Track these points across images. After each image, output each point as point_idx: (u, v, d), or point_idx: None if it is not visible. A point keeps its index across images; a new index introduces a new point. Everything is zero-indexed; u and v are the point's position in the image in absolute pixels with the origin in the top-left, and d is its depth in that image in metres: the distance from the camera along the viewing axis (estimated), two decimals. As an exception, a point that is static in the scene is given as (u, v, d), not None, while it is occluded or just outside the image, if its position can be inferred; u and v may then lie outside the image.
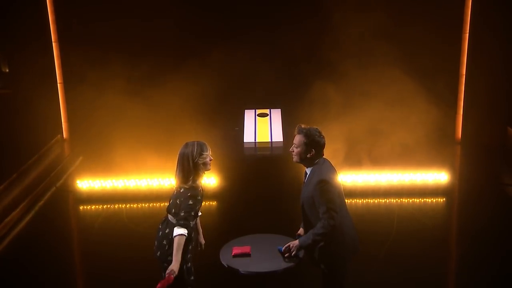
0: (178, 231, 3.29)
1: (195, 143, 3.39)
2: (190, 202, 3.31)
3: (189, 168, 3.32)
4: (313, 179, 3.33)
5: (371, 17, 7.64)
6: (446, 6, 7.80)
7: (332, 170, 3.40)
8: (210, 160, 3.41)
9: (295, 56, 8.29)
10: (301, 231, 3.65)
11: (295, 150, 3.40)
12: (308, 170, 3.44)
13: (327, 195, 3.26)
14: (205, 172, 3.42)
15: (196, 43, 8.21)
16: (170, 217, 3.45)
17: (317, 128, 3.41)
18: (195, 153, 3.33)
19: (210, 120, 7.97)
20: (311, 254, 3.46)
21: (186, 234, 3.30)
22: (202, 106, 7.75)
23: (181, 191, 3.37)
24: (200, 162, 3.34)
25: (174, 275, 3.21)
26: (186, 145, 3.39)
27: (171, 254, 3.34)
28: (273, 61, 8.55)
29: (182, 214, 3.31)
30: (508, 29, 7.83)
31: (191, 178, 3.33)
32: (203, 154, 3.36)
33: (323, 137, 3.40)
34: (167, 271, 3.22)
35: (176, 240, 3.29)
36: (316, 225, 3.32)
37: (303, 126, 3.41)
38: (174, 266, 3.24)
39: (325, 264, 3.44)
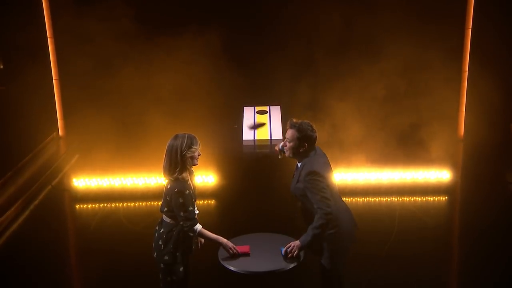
0: (191, 234, 3.31)
1: (186, 135, 3.31)
2: (181, 200, 3.24)
3: (176, 160, 3.25)
4: (303, 171, 3.34)
5: (371, 15, 7.59)
6: (448, 1, 7.72)
7: (322, 161, 3.41)
8: (198, 155, 3.34)
9: (294, 53, 8.22)
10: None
11: (287, 144, 3.41)
12: (299, 164, 3.45)
13: (318, 184, 3.27)
14: (192, 166, 3.34)
15: (195, 40, 8.13)
16: (164, 216, 3.40)
17: (309, 122, 3.42)
18: (184, 145, 3.26)
19: (208, 117, 7.91)
20: (310, 248, 3.41)
21: (199, 227, 3.32)
22: (200, 103, 7.69)
23: (168, 187, 3.32)
24: (188, 155, 3.27)
25: (229, 247, 3.37)
26: (176, 136, 3.32)
27: (166, 254, 3.32)
28: (272, 57, 8.49)
29: (182, 214, 3.26)
30: (511, 24, 7.76)
31: (177, 170, 3.26)
32: (192, 148, 3.28)
33: (315, 131, 3.41)
34: (228, 249, 3.37)
35: (201, 237, 3.40)
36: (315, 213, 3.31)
37: (295, 120, 3.42)
38: (221, 243, 3.37)
39: (322, 256, 3.41)
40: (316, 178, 3.27)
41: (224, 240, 3.40)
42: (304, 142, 3.35)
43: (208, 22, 8.06)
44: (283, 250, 3.36)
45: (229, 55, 8.06)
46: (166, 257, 3.32)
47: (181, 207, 3.24)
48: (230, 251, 3.38)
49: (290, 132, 3.39)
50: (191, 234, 3.32)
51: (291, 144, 3.38)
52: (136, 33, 7.80)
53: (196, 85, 7.85)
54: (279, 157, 3.65)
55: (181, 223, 3.28)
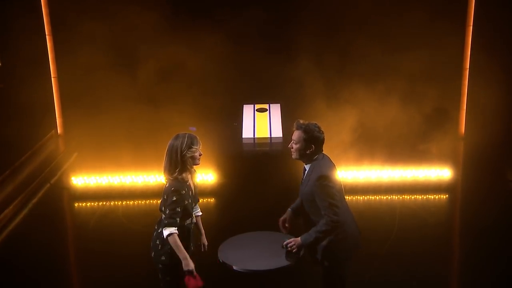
0: (165, 232, 3.21)
1: (186, 135, 3.28)
2: (174, 198, 3.20)
3: (177, 160, 3.23)
4: (313, 175, 3.27)
5: (371, 13, 7.57)
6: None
7: (331, 165, 3.34)
8: (199, 155, 3.30)
9: (294, 50, 8.21)
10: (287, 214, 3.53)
11: (294, 146, 3.33)
12: (307, 166, 3.37)
13: (328, 190, 3.20)
14: (193, 166, 3.31)
15: (195, 38, 8.12)
16: (162, 215, 3.35)
17: (316, 124, 3.33)
18: (184, 145, 3.23)
19: (208, 115, 7.90)
20: (312, 251, 3.37)
21: (175, 231, 3.19)
22: (200, 101, 7.67)
23: (166, 185, 3.29)
24: (188, 155, 3.24)
25: (192, 272, 3.17)
26: (177, 136, 3.29)
27: (163, 254, 3.29)
28: (272, 55, 8.48)
29: (167, 212, 3.21)
30: (512, 23, 7.75)
31: (177, 170, 3.23)
32: (192, 148, 3.25)
33: (323, 133, 3.33)
34: (186, 274, 3.17)
35: (170, 241, 3.21)
36: (318, 221, 3.25)
37: (301, 121, 3.34)
38: (184, 265, 3.19)
39: (327, 261, 3.36)
40: (327, 183, 3.20)
41: (190, 263, 3.18)
42: (311, 143, 3.27)
43: (206, 21, 8.06)
44: (284, 243, 3.34)
45: (228, 54, 8.06)
46: (163, 257, 3.29)
47: (171, 204, 3.19)
48: (188, 279, 3.19)
49: (296, 134, 3.31)
50: (164, 233, 3.19)
51: (298, 145, 3.30)
52: (134, 32, 7.79)
53: (195, 83, 7.83)
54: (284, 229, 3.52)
55: (164, 220, 3.19)
